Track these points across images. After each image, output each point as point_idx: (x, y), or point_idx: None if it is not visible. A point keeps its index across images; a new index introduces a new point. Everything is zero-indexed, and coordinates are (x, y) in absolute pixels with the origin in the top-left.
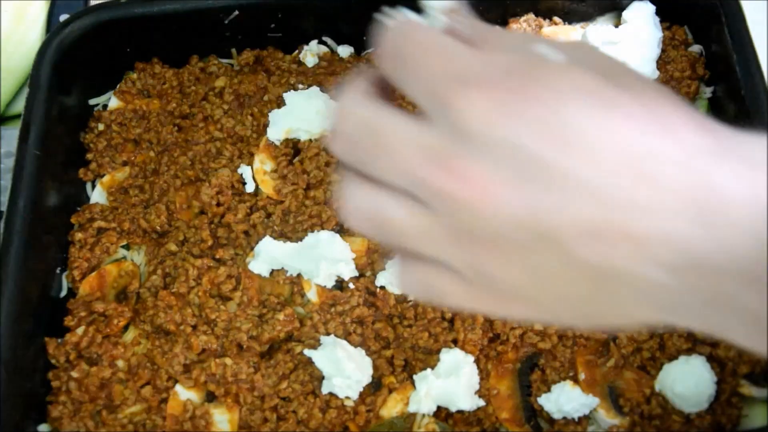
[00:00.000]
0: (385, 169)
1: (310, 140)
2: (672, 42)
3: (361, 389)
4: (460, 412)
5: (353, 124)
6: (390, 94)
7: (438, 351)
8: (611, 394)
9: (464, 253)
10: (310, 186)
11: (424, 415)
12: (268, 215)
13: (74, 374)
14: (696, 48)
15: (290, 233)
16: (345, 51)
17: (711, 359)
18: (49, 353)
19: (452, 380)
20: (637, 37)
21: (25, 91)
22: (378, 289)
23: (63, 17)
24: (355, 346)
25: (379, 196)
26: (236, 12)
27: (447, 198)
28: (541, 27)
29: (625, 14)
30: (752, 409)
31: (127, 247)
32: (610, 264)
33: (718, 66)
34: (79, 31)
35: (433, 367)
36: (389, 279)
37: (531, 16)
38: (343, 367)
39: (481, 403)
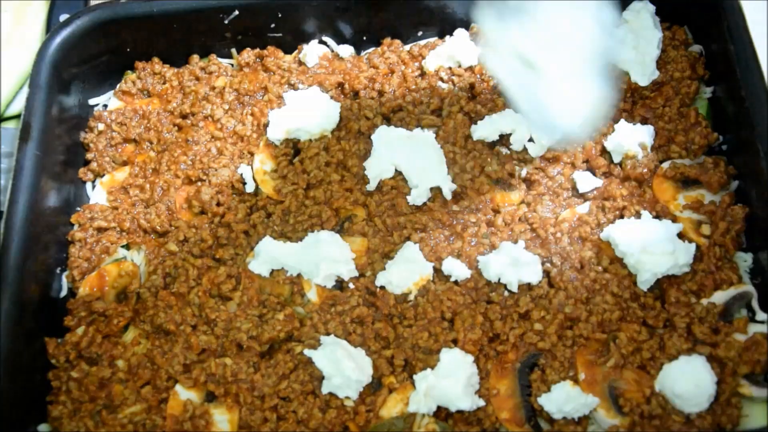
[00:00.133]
0: None
1: (310, 140)
2: (672, 42)
3: (361, 389)
4: (460, 412)
5: None
6: None
7: (438, 351)
8: (611, 394)
9: None
10: (310, 186)
11: (424, 415)
12: (268, 215)
13: (74, 374)
14: (696, 48)
15: (290, 233)
16: (345, 51)
17: (711, 359)
18: (49, 353)
19: (452, 380)
20: (637, 37)
21: (25, 91)
22: (378, 289)
23: (63, 17)
24: (355, 346)
25: None
26: (236, 12)
27: None
28: None
29: (625, 14)
30: (752, 409)
31: (127, 247)
32: None
33: (718, 66)
34: (79, 30)
35: (433, 367)
36: (389, 279)
37: None
38: (343, 367)
39: (481, 403)
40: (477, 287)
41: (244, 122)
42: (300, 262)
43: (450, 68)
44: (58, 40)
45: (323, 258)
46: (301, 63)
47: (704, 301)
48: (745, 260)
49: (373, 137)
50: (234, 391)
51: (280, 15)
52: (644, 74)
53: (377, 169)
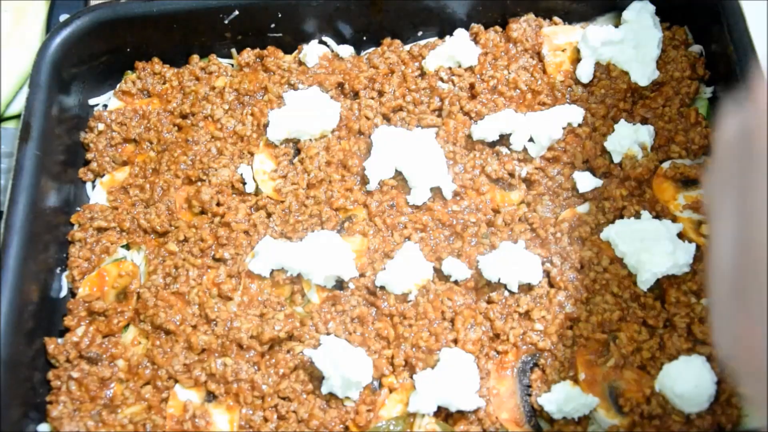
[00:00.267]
0: None
1: (310, 140)
2: (672, 42)
3: (361, 389)
4: (460, 412)
5: None
6: None
7: (438, 351)
8: (611, 394)
9: None
10: (310, 186)
11: (424, 415)
12: (269, 215)
13: (74, 374)
14: (696, 48)
15: (290, 233)
16: (345, 51)
17: (711, 359)
18: (49, 353)
19: (452, 380)
20: (637, 37)
21: (25, 91)
22: (378, 289)
23: (63, 17)
24: (355, 346)
25: None
26: (236, 12)
27: None
28: (540, 27)
29: (625, 14)
30: (752, 409)
31: (127, 247)
32: None
33: (718, 66)
34: (79, 30)
35: (433, 367)
36: (389, 279)
37: (531, 16)
38: (343, 367)
39: (481, 403)
40: (477, 287)
41: (244, 122)
42: (300, 262)
43: (450, 68)
44: (58, 40)
45: (323, 258)
46: (301, 63)
47: (704, 301)
48: None
49: (373, 137)
50: (234, 391)
51: (280, 15)
52: (644, 74)
53: (377, 169)
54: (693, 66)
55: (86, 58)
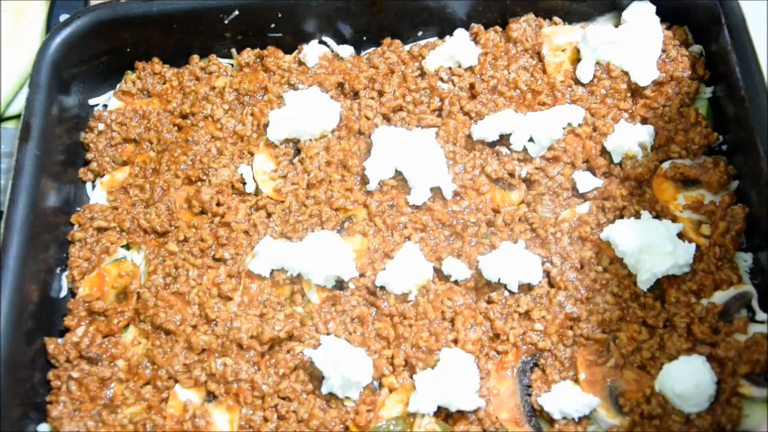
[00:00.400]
0: None
1: (310, 140)
2: (672, 42)
3: (361, 389)
4: (460, 412)
5: None
6: None
7: (438, 351)
8: (611, 394)
9: None
10: (310, 186)
11: (424, 415)
12: (269, 215)
13: (74, 374)
14: (696, 48)
15: (290, 233)
16: (345, 51)
17: (711, 359)
18: (49, 353)
19: (452, 380)
20: (637, 37)
21: (25, 91)
22: (378, 289)
23: (63, 17)
24: (355, 346)
25: None
26: (236, 12)
27: None
28: (541, 27)
29: (625, 14)
30: (752, 409)
31: (127, 247)
32: None
33: (718, 66)
34: (79, 30)
35: (433, 367)
36: (389, 279)
37: (531, 16)
38: (343, 367)
39: (481, 403)
40: (477, 287)
41: (244, 122)
42: (300, 262)
43: (450, 68)
44: (58, 40)
45: (323, 258)
46: (301, 63)
47: (704, 301)
48: (745, 260)
49: (373, 137)
50: (234, 391)
51: (280, 15)
52: (644, 74)
53: (377, 169)
54: (693, 66)
55: (86, 58)
